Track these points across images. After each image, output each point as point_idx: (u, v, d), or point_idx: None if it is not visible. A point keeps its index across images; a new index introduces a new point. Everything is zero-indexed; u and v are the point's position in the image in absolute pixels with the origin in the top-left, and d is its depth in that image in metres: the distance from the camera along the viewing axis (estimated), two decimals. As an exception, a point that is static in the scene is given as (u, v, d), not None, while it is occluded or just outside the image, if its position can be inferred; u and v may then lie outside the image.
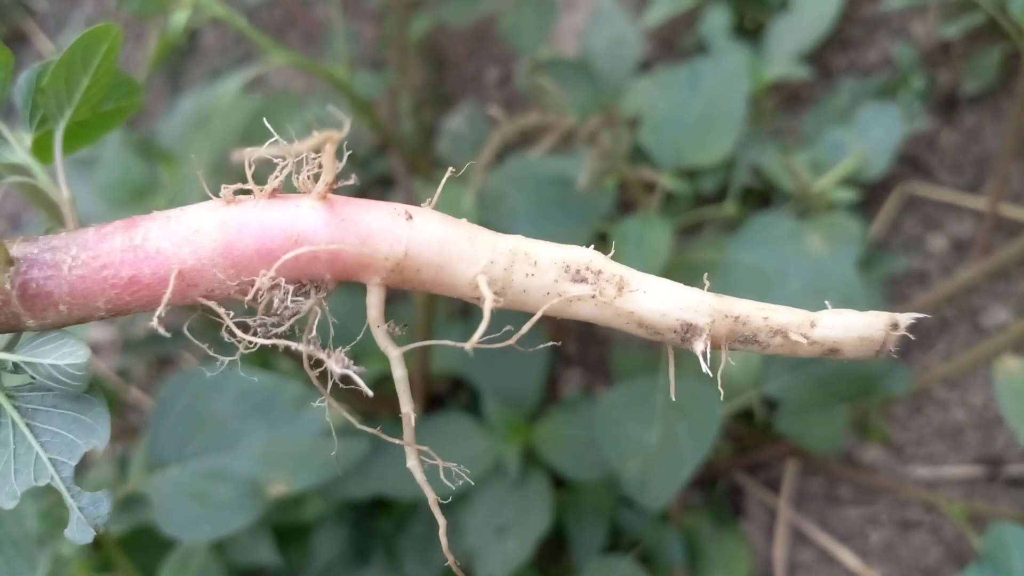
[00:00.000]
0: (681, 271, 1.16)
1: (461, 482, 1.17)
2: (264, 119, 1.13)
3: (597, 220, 1.15)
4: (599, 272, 0.41)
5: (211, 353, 0.40)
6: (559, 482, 1.28)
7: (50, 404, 0.42)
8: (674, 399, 0.41)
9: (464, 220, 0.41)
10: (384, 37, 1.72)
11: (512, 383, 1.30)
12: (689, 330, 0.40)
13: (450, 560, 0.44)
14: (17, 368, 0.40)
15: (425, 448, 0.43)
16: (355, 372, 0.38)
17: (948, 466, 1.35)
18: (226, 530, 0.85)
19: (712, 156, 1.10)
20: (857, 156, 1.30)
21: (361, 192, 1.84)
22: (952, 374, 1.29)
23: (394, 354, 0.40)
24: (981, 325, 1.42)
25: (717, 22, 1.60)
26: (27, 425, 0.42)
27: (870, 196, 1.53)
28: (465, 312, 1.57)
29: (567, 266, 0.41)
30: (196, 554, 1.05)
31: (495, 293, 0.39)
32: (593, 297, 0.40)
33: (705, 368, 0.39)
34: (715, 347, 0.41)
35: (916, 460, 1.37)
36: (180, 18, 0.92)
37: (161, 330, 0.37)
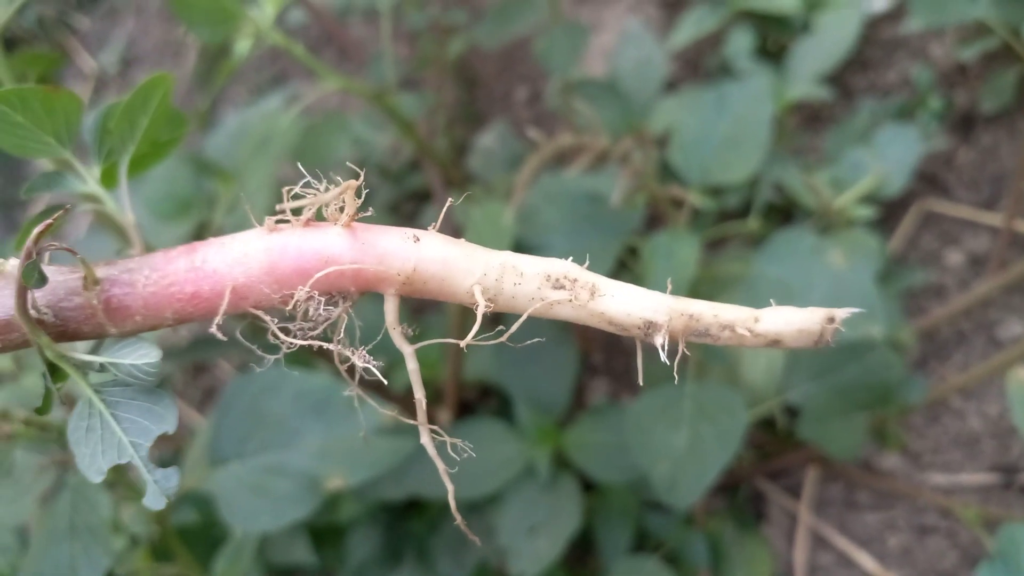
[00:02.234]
0: (708, 283, 1.22)
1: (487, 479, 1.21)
2: (314, 141, 1.19)
3: (627, 235, 1.21)
4: (575, 280, 0.47)
5: (260, 353, 0.48)
6: (587, 486, 1.33)
7: (128, 397, 0.49)
8: (642, 382, 0.48)
9: (463, 240, 0.48)
10: (419, 57, 1.79)
11: (542, 390, 1.35)
12: (651, 327, 0.47)
13: (457, 519, 0.50)
14: (102, 368, 0.48)
15: (436, 427, 0.49)
16: (374, 366, 0.46)
17: (964, 474, 1.39)
18: (285, 520, 0.91)
19: (737, 175, 1.16)
20: (876, 175, 1.35)
21: (395, 206, 1.91)
22: (968, 385, 1.34)
23: (407, 350, 0.48)
24: (997, 338, 1.46)
25: (741, 44, 1.66)
26: (111, 414, 0.49)
27: (889, 212, 1.58)
28: (495, 321, 1.62)
29: (548, 275, 0.47)
30: (247, 549, 1.11)
31: (489, 300, 0.47)
32: (570, 301, 0.47)
33: (663, 358, 0.46)
34: (673, 340, 0.47)
35: (933, 467, 1.42)
36: (244, 46, 0.98)
37: (219, 335, 0.45)
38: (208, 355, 1.88)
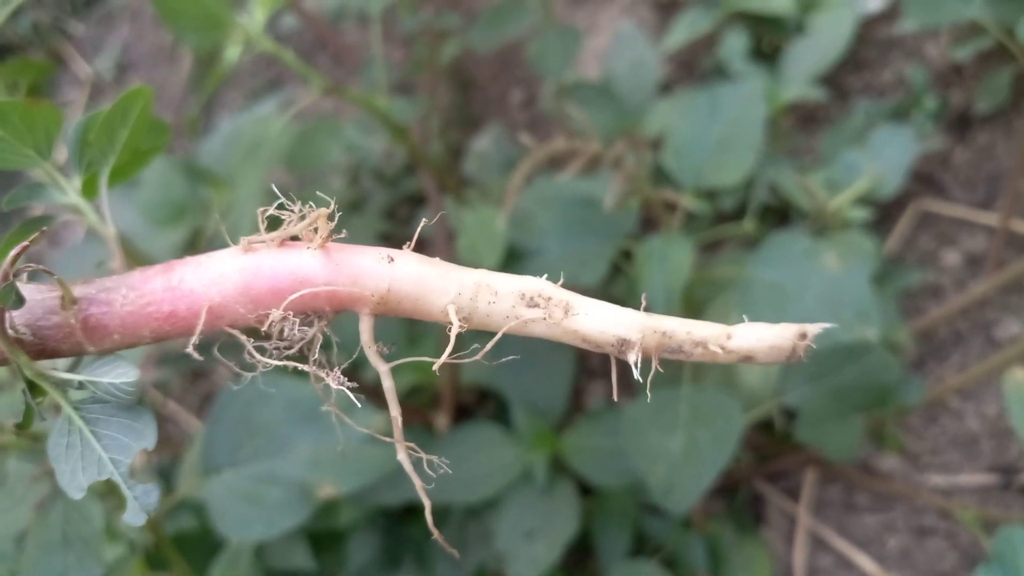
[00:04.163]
0: (703, 286, 1.21)
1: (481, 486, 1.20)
2: (306, 147, 1.19)
3: (621, 238, 1.20)
4: (549, 298, 0.47)
5: (237, 370, 0.48)
6: (585, 490, 1.33)
7: (108, 414, 0.49)
8: (615, 398, 0.48)
9: (437, 259, 0.48)
10: (413, 61, 1.79)
11: (539, 394, 1.35)
12: (624, 344, 0.47)
13: (435, 533, 0.50)
14: (81, 385, 0.48)
15: (412, 444, 0.50)
16: (347, 388, 0.47)
17: (963, 474, 1.39)
18: (277, 529, 0.91)
19: (731, 178, 1.16)
20: (871, 176, 1.35)
21: (390, 210, 1.90)
22: (966, 385, 1.33)
23: (383, 369, 0.48)
24: (994, 338, 1.46)
25: (735, 45, 1.66)
26: (91, 431, 0.49)
27: (885, 213, 1.58)
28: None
29: (523, 294, 0.47)
30: (243, 556, 1.11)
31: (463, 318, 0.47)
32: (544, 319, 0.47)
33: (636, 375, 0.46)
34: (647, 357, 0.47)
35: (932, 468, 1.41)
36: (233, 53, 0.98)
37: (195, 355, 0.45)
38: (206, 362, 1.88)
